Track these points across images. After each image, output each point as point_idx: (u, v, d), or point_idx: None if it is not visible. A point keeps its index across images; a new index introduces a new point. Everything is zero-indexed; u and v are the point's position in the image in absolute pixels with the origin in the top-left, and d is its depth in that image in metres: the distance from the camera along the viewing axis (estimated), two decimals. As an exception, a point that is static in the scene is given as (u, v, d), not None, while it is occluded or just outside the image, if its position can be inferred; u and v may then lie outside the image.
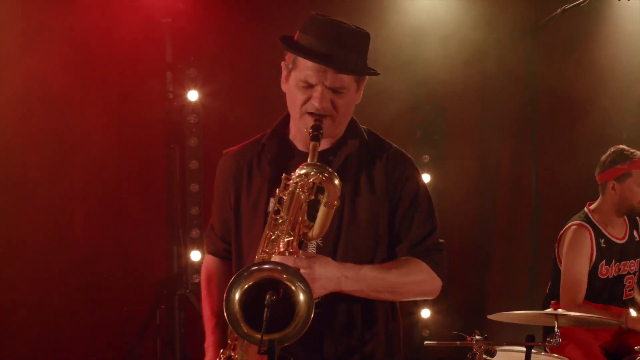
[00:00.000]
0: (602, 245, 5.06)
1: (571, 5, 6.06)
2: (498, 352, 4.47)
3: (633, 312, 5.01)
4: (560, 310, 4.26)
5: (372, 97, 6.60)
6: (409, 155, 2.99)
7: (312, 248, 2.80)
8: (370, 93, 6.58)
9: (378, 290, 2.79)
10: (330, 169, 2.65)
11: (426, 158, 7.00)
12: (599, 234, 5.08)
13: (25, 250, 6.26)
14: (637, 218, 5.25)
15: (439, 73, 6.93)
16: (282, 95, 2.99)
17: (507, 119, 7.26)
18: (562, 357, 4.63)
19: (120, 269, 6.50)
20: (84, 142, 6.44)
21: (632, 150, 5.08)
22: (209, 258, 3.16)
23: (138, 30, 6.30)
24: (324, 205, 2.65)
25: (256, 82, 6.27)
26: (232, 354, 2.72)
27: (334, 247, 2.80)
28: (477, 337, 4.17)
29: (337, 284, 2.71)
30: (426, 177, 6.91)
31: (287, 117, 2.96)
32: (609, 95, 6.96)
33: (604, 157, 5.18)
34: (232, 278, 2.53)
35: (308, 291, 2.50)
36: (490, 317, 4.47)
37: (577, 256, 5.07)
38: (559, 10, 6.25)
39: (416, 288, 2.89)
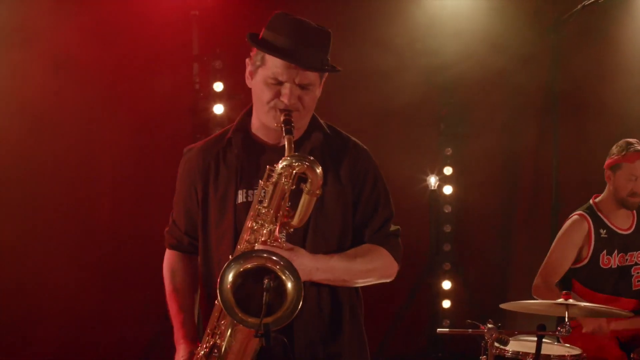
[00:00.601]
0: (603, 235, 5.13)
1: (590, 1, 6.10)
2: (513, 341, 4.56)
3: None
4: (571, 301, 4.33)
5: (399, 91, 6.72)
6: (366, 148, 3.09)
7: (281, 236, 2.85)
8: (397, 88, 6.66)
9: (344, 280, 2.94)
10: (311, 158, 2.76)
11: (449, 151, 7.09)
12: (600, 225, 5.15)
13: (54, 235, 6.36)
14: None
15: (462, 68, 6.98)
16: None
17: (529, 112, 7.30)
18: (574, 347, 4.71)
19: (146, 255, 6.44)
20: (113, 130, 6.51)
21: (635, 143, 5.15)
22: (171, 253, 3.20)
23: (166, 22, 6.39)
24: (307, 194, 2.74)
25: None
26: (217, 341, 2.80)
27: (304, 235, 2.89)
28: (489, 326, 4.23)
29: (309, 274, 2.81)
30: (448, 170, 7.03)
31: (250, 111, 3.05)
32: (632, 89, 6.96)
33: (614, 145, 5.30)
34: (225, 266, 2.63)
35: (297, 277, 2.61)
36: (502, 306, 4.54)
37: (563, 243, 5.18)
38: (579, 7, 6.29)
39: (377, 274, 3.03)
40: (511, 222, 7.37)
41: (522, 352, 4.47)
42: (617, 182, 5.16)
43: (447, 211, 7.08)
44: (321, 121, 3.06)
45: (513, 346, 4.54)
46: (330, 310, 2.97)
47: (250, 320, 2.60)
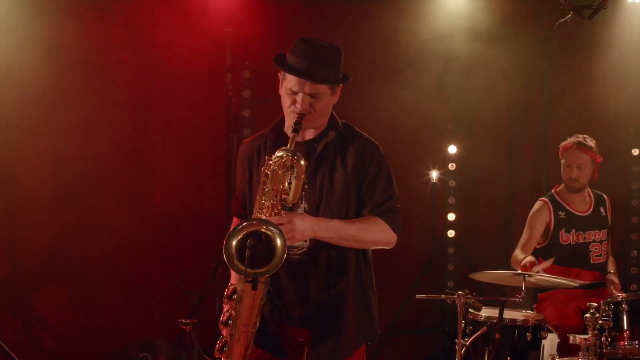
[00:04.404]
0: (562, 216, 5.76)
1: (566, 17, 6.53)
2: (487, 308, 5.13)
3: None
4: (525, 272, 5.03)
5: (410, 97, 7.37)
6: (375, 142, 3.77)
7: (301, 212, 3.61)
8: (410, 94, 7.27)
9: (345, 239, 3.54)
10: (298, 153, 3.49)
11: (454, 149, 7.60)
12: (558, 208, 5.79)
13: (114, 221, 6.93)
14: (604, 196, 5.93)
15: (466, 73, 7.51)
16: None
17: (527, 116, 7.73)
18: (539, 314, 5.32)
19: (188, 235, 7.10)
20: (162, 130, 7.10)
21: (578, 138, 5.76)
22: (236, 219, 3.97)
23: (204, 38, 7.00)
24: (294, 179, 3.49)
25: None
26: (237, 287, 3.53)
27: (317, 211, 3.64)
28: (460, 292, 4.86)
29: (312, 232, 3.46)
30: (452, 165, 7.62)
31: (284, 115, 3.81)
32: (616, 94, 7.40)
33: None
34: (230, 231, 3.33)
35: (282, 239, 3.30)
36: (470, 275, 5.18)
37: (531, 223, 5.84)
38: (561, 20, 6.70)
39: (374, 238, 3.61)
40: (512, 212, 7.77)
41: (493, 317, 4.98)
42: (562, 169, 5.84)
43: (450, 202, 7.62)
44: (339, 121, 3.79)
45: (487, 312, 5.08)
46: (337, 269, 3.62)
47: (241, 269, 3.31)
